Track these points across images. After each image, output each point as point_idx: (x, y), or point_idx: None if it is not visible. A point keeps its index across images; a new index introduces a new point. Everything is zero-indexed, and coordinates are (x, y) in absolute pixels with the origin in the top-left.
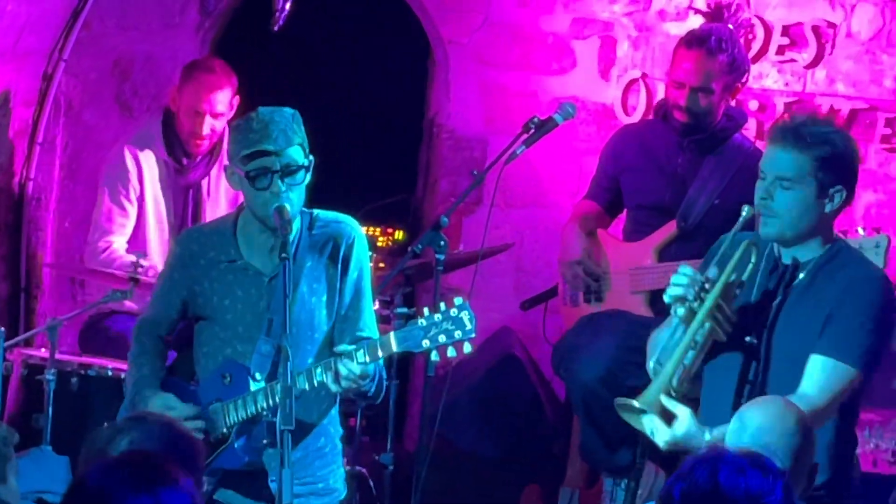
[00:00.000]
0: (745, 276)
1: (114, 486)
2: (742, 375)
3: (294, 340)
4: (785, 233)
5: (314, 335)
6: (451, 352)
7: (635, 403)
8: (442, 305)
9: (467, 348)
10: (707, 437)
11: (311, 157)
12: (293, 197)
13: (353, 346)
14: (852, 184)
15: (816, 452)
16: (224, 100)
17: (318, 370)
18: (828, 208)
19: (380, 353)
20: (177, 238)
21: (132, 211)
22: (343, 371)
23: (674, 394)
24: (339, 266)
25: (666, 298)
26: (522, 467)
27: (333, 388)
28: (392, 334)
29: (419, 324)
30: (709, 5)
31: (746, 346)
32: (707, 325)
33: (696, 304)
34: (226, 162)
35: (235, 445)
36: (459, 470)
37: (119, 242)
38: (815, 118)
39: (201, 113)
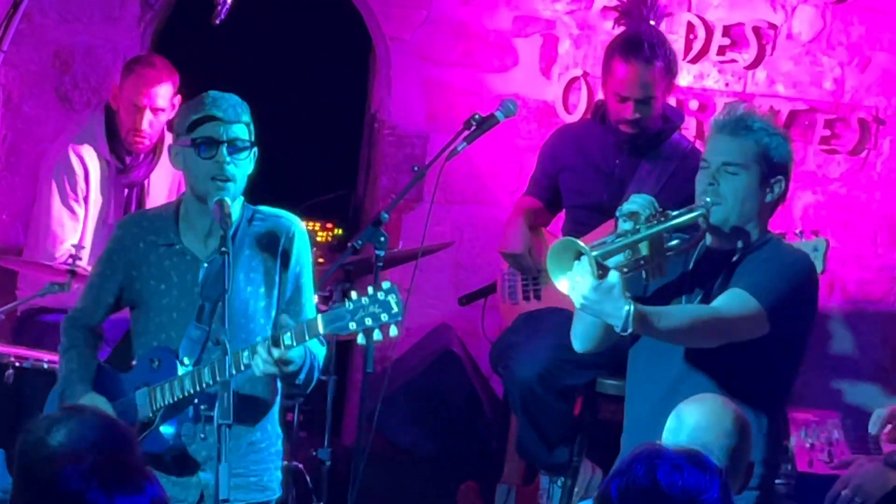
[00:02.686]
0: (683, 244)
1: (76, 486)
2: (665, 358)
3: (214, 330)
4: (729, 218)
5: (248, 325)
6: (377, 335)
7: (580, 242)
8: (370, 289)
9: (394, 331)
10: (627, 307)
11: (255, 152)
12: (236, 173)
13: (281, 330)
14: (789, 179)
15: (756, 434)
16: (164, 94)
17: (245, 353)
18: (768, 198)
19: (307, 336)
20: (119, 222)
21: (80, 213)
22: (263, 354)
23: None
24: (279, 260)
25: (617, 212)
26: (460, 464)
27: (257, 371)
28: (319, 316)
29: (346, 306)
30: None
31: None
32: (643, 250)
33: (643, 225)
34: (169, 142)
35: (160, 429)
36: (397, 466)
37: (70, 246)
38: (755, 110)
39: (141, 107)
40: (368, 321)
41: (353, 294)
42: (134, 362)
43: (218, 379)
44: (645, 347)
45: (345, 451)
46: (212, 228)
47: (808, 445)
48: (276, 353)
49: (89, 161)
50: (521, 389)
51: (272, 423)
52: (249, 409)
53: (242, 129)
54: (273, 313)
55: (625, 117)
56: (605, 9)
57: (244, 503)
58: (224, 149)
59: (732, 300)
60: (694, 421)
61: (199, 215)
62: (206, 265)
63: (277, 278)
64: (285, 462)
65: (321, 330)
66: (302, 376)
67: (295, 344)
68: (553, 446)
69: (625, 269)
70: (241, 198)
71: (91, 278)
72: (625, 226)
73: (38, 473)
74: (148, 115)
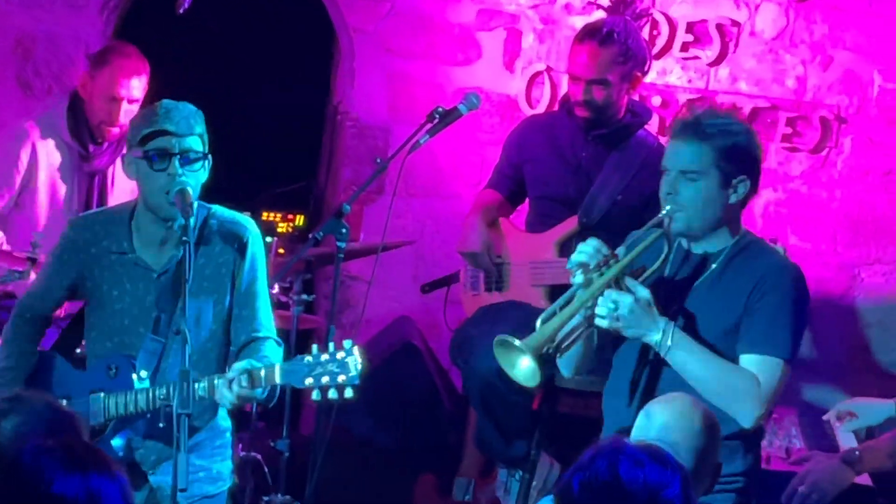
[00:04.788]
0: (655, 265)
1: (46, 464)
2: (642, 365)
3: (169, 345)
4: (692, 225)
5: (200, 332)
6: (332, 393)
7: (516, 342)
8: (331, 346)
9: (349, 393)
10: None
11: (209, 161)
12: (191, 183)
13: (238, 371)
14: (756, 174)
15: (737, 440)
16: (140, 86)
17: (201, 385)
18: (732, 199)
19: (262, 384)
20: (71, 221)
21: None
22: (226, 395)
23: (551, 350)
24: (233, 265)
25: (569, 264)
26: (418, 456)
27: (223, 404)
28: (277, 366)
29: (305, 361)
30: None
31: None
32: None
33: (595, 274)
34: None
35: (111, 441)
36: (355, 458)
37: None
38: (714, 111)
39: (118, 99)
40: (325, 379)
41: (315, 349)
42: (89, 363)
43: (173, 405)
44: (630, 348)
45: (303, 442)
46: (166, 237)
47: (766, 443)
48: (230, 395)
49: (43, 147)
50: (480, 382)
51: (218, 420)
52: (196, 415)
53: (195, 141)
54: (225, 318)
55: (577, 98)
56: (590, 3)
57: (199, 497)
58: (176, 161)
59: (762, 369)
60: (662, 420)
61: (152, 224)
62: (160, 278)
63: (230, 284)
64: (244, 453)
65: (277, 380)
66: (264, 396)
67: (250, 388)
68: (511, 440)
69: (584, 329)
70: (196, 200)
71: (43, 269)
72: (578, 279)
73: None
74: (125, 105)
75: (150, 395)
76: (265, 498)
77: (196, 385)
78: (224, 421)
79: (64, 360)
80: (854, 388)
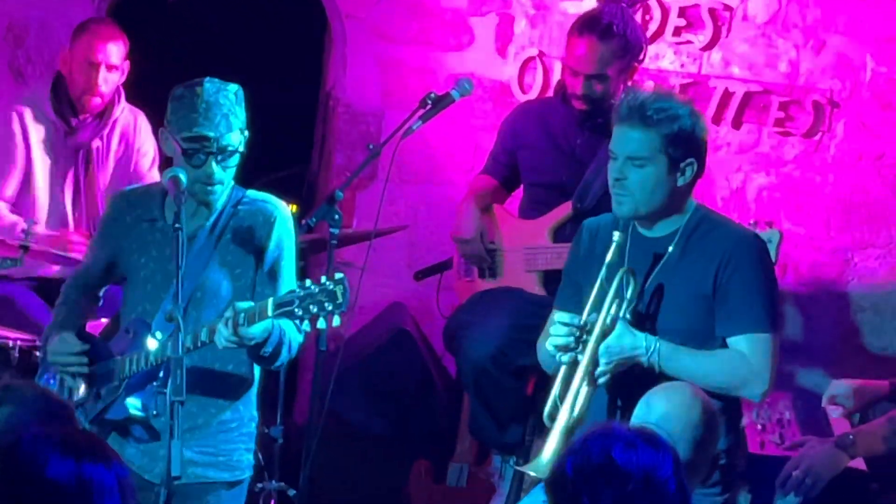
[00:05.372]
0: (626, 301)
1: (42, 450)
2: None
3: (198, 305)
4: (639, 209)
5: (220, 305)
6: (321, 322)
7: (532, 473)
8: (323, 278)
9: (336, 321)
10: (647, 341)
11: (246, 134)
12: (224, 177)
13: (234, 310)
14: (702, 155)
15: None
16: (118, 52)
17: (203, 331)
18: (680, 182)
19: (257, 318)
20: (111, 196)
21: (16, 174)
22: (223, 331)
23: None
24: (257, 243)
25: (549, 348)
26: (412, 442)
27: (219, 344)
28: (269, 300)
29: (297, 293)
30: None
31: None
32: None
33: (579, 350)
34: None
35: (124, 399)
36: (349, 445)
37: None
38: (658, 94)
39: (96, 64)
40: (313, 308)
41: (307, 282)
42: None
43: (170, 353)
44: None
45: (297, 429)
46: (197, 209)
47: (759, 427)
48: (227, 331)
49: (32, 125)
50: (474, 368)
51: (246, 405)
52: (220, 389)
53: (235, 136)
54: (248, 296)
55: (575, 92)
56: None
57: (214, 481)
58: (213, 160)
59: (751, 347)
60: (662, 410)
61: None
62: (189, 241)
63: (253, 262)
64: None
65: (269, 313)
66: (268, 349)
67: (247, 325)
68: (505, 426)
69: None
70: (232, 181)
71: (90, 244)
72: (565, 360)
73: None
74: (103, 72)
75: (162, 349)
76: (259, 485)
77: (200, 331)
78: (254, 410)
79: (94, 335)
80: (847, 372)
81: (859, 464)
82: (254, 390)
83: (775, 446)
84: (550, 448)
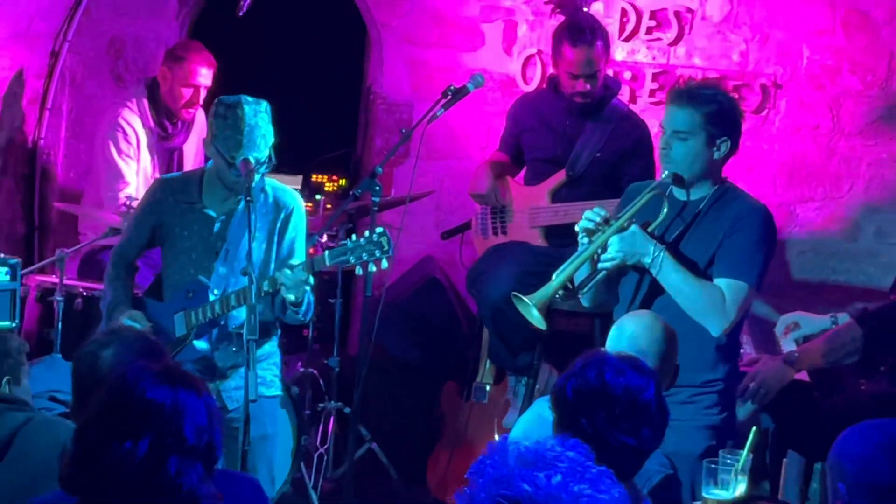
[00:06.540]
0: (659, 220)
1: (143, 376)
2: (637, 289)
3: (235, 268)
4: (682, 176)
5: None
6: (371, 267)
7: (525, 299)
8: (367, 232)
9: (384, 264)
10: (655, 247)
11: (272, 142)
12: (258, 179)
13: (297, 262)
14: (736, 135)
15: (715, 352)
16: (209, 74)
17: (265, 283)
18: (716, 155)
19: (315, 266)
20: (154, 181)
21: (133, 164)
22: (279, 278)
23: (559, 296)
24: (279, 225)
25: (577, 228)
26: (443, 368)
27: (288, 282)
28: (326, 252)
29: (348, 244)
30: None
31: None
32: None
33: (597, 234)
34: (204, 136)
35: (194, 343)
36: (392, 371)
37: (125, 196)
38: (705, 83)
39: (197, 86)
40: (364, 255)
41: (354, 235)
42: (167, 294)
43: (243, 302)
44: (630, 279)
45: (350, 359)
46: (228, 195)
47: None
48: (291, 277)
49: (137, 128)
50: (491, 307)
51: (271, 345)
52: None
53: (266, 152)
54: (272, 265)
55: (578, 91)
56: (546, 2)
57: (262, 396)
58: (251, 174)
59: (730, 290)
60: (631, 330)
61: (218, 184)
62: (221, 219)
63: (276, 238)
64: (303, 369)
65: (327, 262)
66: (304, 307)
67: (308, 272)
68: (517, 353)
69: (593, 274)
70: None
71: (131, 222)
72: (584, 241)
73: (100, 383)
74: (202, 92)
75: (224, 301)
76: (320, 405)
77: (262, 284)
78: (277, 347)
79: (151, 299)
80: (791, 304)
81: (803, 376)
82: (277, 334)
83: None
84: (537, 294)
